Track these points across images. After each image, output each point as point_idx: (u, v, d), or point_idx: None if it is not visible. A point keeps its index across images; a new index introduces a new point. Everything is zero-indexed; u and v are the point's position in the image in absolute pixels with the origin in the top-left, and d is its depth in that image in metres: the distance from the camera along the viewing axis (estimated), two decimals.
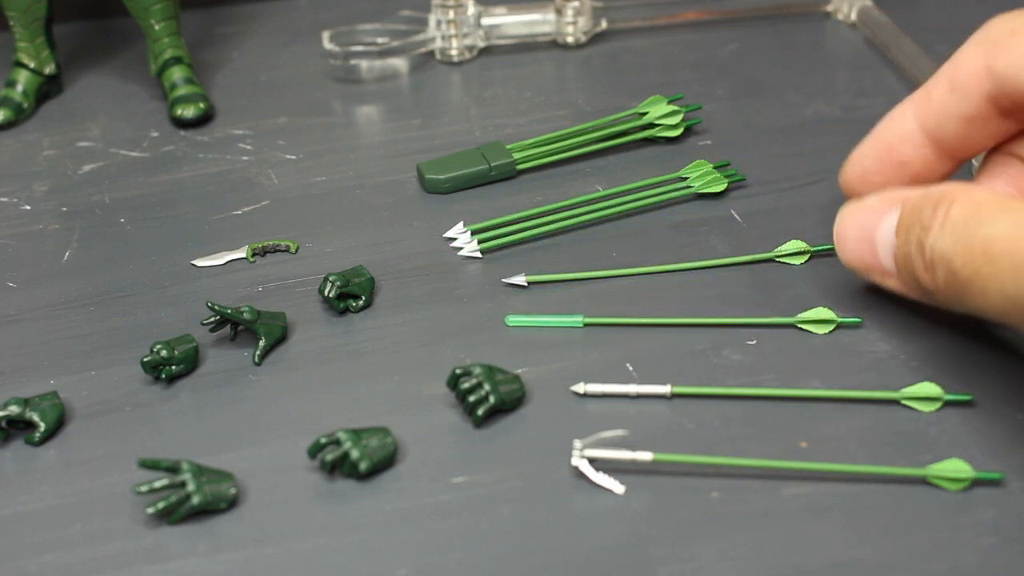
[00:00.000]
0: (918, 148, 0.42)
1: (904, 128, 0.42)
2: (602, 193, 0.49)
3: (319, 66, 0.61)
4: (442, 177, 0.50)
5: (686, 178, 0.49)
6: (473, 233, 0.47)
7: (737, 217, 0.48)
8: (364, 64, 0.60)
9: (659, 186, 0.49)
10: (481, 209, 0.49)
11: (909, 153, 0.42)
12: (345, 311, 0.44)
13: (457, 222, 0.48)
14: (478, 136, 0.55)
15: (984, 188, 0.39)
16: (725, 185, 0.49)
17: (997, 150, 0.42)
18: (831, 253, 0.45)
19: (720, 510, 0.36)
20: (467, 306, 0.44)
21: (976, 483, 0.36)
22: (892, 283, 0.40)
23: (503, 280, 0.45)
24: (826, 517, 0.36)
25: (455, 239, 0.47)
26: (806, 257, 0.45)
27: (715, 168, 0.50)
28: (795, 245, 0.45)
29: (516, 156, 0.51)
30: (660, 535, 0.36)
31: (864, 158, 0.43)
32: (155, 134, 0.56)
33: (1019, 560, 0.34)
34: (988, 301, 0.35)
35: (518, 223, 0.48)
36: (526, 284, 0.45)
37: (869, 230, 0.40)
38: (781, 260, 0.45)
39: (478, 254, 0.47)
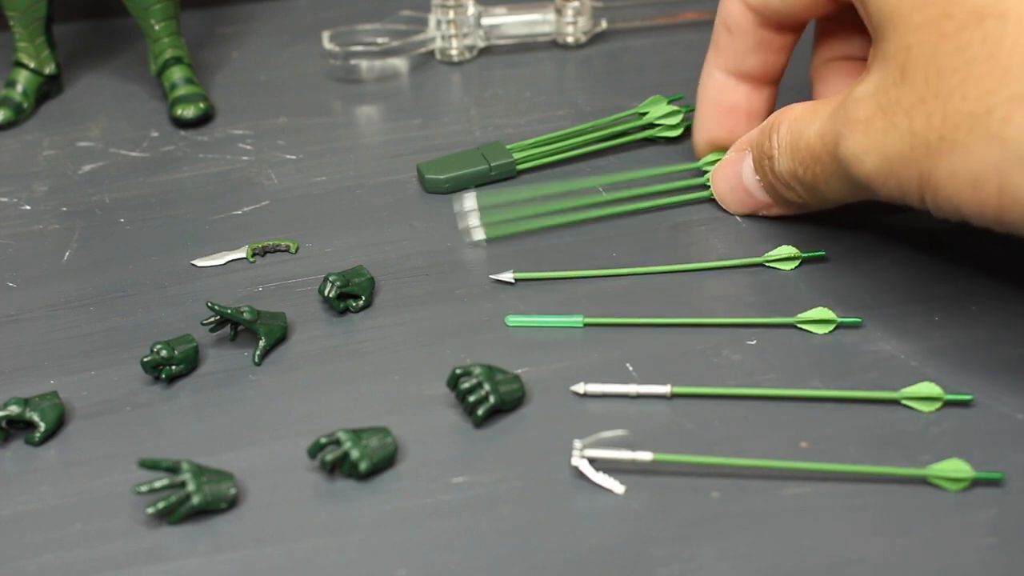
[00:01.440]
0: (735, 89, 0.47)
1: (717, 81, 0.48)
2: (620, 177, 0.50)
3: (319, 66, 0.61)
4: (442, 177, 0.50)
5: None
6: (482, 216, 0.47)
7: (737, 217, 0.48)
8: (364, 64, 0.60)
9: (676, 175, 0.50)
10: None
11: (731, 98, 0.48)
12: (345, 311, 0.44)
13: (456, 222, 0.48)
14: (478, 136, 0.55)
15: (803, 103, 0.43)
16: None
17: (821, 59, 0.47)
18: (824, 259, 0.45)
19: (720, 510, 0.36)
20: (467, 306, 0.44)
21: (976, 483, 0.37)
22: (776, 210, 0.47)
23: (491, 276, 0.45)
24: (826, 517, 0.36)
25: (468, 212, 0.48)
26: (796, 263, 0.45)
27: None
28: (786, 250, 0.45)
29: (516, 156, 0.51)
30: (660, 535, 0.36)
31: (702, 123, 0.49)
32: (155, 134, 0.56)
33: (1019, 560, 0.34)
34: (834, 189, 0.41)
35: (525, 205, 0.48)
36: (513, 281, 0.45)
37: (737, 178, 0.47)
38: (771, 265, 0.45)
39: (482, 235, 0.47)
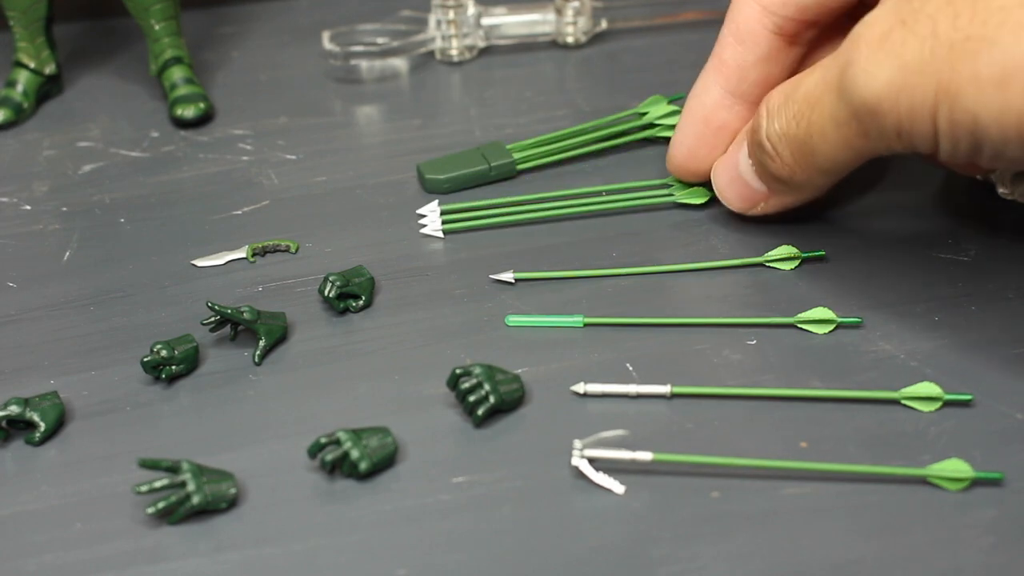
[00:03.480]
0: (731, 109, 0.46)
1: (712, 98, 0.46)
2: (581, 191, 0.49)
3: (319, 66, 0.61)
4: (442, 177, 0.50)
5: (670, 186, 0.49)
6: (443, 213, 0.47)
7: (738, 217, 0.48)
8: (364, 64, 0.60)
9: (642, 190, 0.49)
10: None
11: (724, 117, 0.46)
12: (345, 311, 0.44)
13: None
14: (478, 136, 0.55)
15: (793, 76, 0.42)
16: (707, 197, 0.48)
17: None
18: (824, 259, 0.45)
19: (720, 510, 0.36)
20: (467, 306, 0.44)
21: (976, 483, 0.36)
22: (773, 202, 0.45)
23: (491, 276, 0.45)
24: (826, 517, 0.36)
25: (424, 216, 0.48)
26: (796, 263, 0.45)
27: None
28: (786, 250, 0.45)
29: (516, 156, 0.51)
30: (660, 535, 0.36)
31: (685, 138, 0.47)
32: (155, 134, 0.56)
33: (1019, 560, 0.34)
34: (828, 141, 0.39)
35: (491, 209, 0.48)
36: (513, 281, 0.45)
37: (734, 169, 0.45)
38: (771, 265, 0.45)
39: (440, 233, 0.47)
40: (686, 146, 0.47)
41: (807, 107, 0.40)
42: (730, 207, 0.47)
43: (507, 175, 0.51)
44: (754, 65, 0.45)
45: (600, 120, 0.53)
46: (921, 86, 0.35)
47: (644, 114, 0.53)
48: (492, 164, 0.51)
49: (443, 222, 0.48)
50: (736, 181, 0.46)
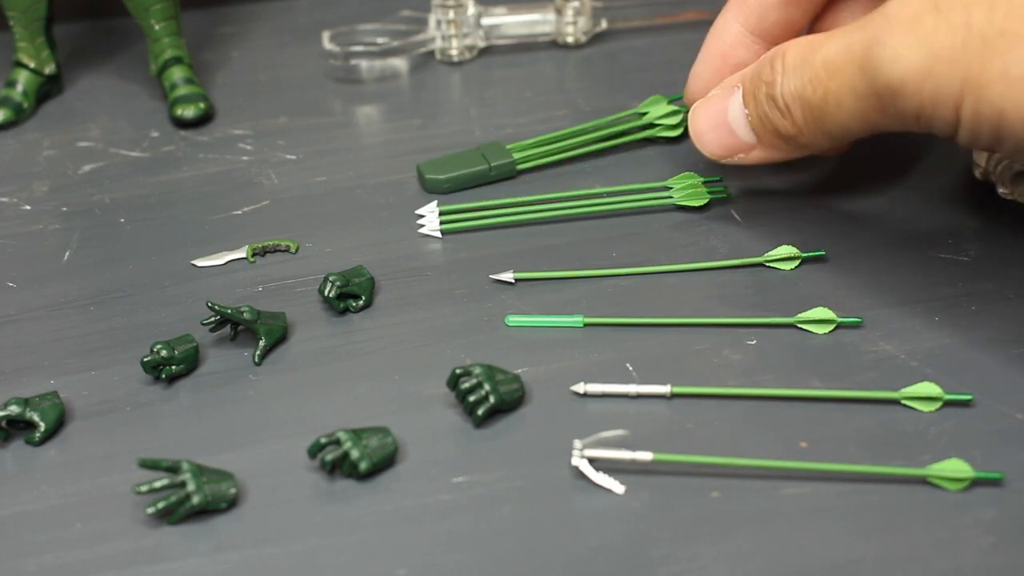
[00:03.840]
0: (749, 48, 0.46)
1: (731, 34, 0.46)
2: (581, 192, 0.49)
3: (319, 66, 0.61)
4: (442, 177, 0.50)
5: (669, 188, 0.49)
6: (442, 214, 0.47)
7: (737, 217, 0.48)
8: (364, 64, 0.60)
9: (641, 192, 0.49)
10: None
11: (741, 55, 0.46)
12: (345, 311, 0.44)
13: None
14: (478, 136, 0.55)
15: (809, 36, 0.41)
16: (706, 199, 0.48)
17: (818, 30, 0.46)
18: (824, 259, 0.45)
19: (720, 510, 0.36)
20: (467, 306, 0.44)
21: (976, 483, 0.37)
22: (756, 154, 0.44)
23: (491, 276, 0.45)
24: (826, 517, 0.36)
25: (423, 216, 0.48)
26: (797, 263, 0.45)
27: (704, 182, 0.49)
28: (786, 250, 0.45)
29: (516, 156, 0.51)
30: (660, 535, 0.36)
31: (703, 72, 0.47)
32: (155, 134, 0.56)
33: (1019, 560, 0.34)
34: (844, 110, 0.39)
35: (490, 209, 0.48)
36: (513, 281, 0.45)
37: (720, 115, 0.44)
38: (771, 265, 0.45)
39: (438, 233, 0.47)
40: (704, 79, 0.47)
41: (826, 74, 0.39)
42: (705, 152, 0.45)
43: (507, 175, 0.51)
44: (776, 6, 0.45)
45: (600, 120, 0.53)
46: (948, 75, 0.35)
47: (644, 114, 0.53)
48: (492, 164, 0.51)
49: (441, 222, 0.48)
50: (721, 128, 0.44)
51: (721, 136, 0.45)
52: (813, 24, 0.47)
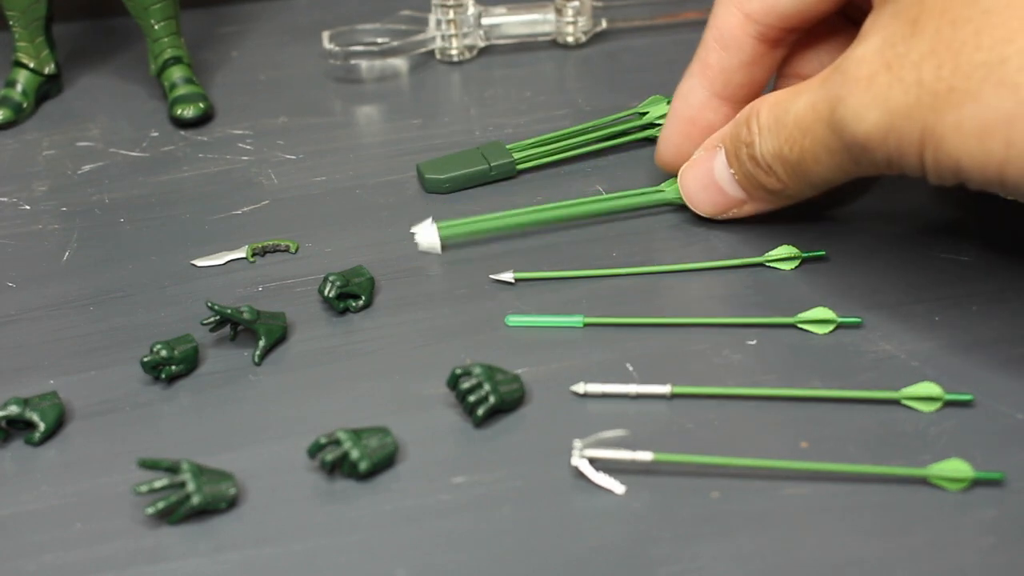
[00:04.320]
0: (717, 110, 0.47)
1: (697, 99, 0.47)
2: (578, 201, 0.49)
3: (319, 66, 0.61)
4: (442, 177, 0.50)
5: (666, 190, 0.49)
6: (440, 229, 0.47)
7: (738, 217, 0.48)
8: (364, 64, 0.60)
9: (638, 196, 0.49)
10: (480, 209, 0.49)
11: (710, 118, 0.47)
12: (345, 311, 0.44)
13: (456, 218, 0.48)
14: (478, 136, 0.55)
15: (778, 91, 0.43)
16: None
17: (781, 76, 0.48)
18: (824, 259, 0.45)
19: (720, 510, 0.36)
20: (467, 306, 0.44)
21: (976, 483, 0.36)
22: (748, 208, 0.46)
23: (491, 276, 0.45)
24: (826, 517, 0.36)
25: (416, 233, 0.47)
26: (797, 263, 0.45)
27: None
28: (786, 250, 0.45)
29: (516, 156, 0.51)
30: (660, 535, 0.36)
31: (674, 136, 0.48)
32: (155, 134, 0.56)
33: (1019, 560, 0.34)
34: (822, 165, 0.41)
35: (487, 222, 0.48)
36: (513, 281, 0.45)
37: (708, 176, 0.46)
38: (771, 264, 0.45)
39: (438, 249, 0.47)
40: (674, 144, 0.48)
41: (799, 133, 0.41)
42: (699, 212, 0.47)
43: (507, 175, 0.51)
44: (738, 69, 0.46)
45: (600, 120, 0.53)
46: (908, 129, 0.37)
47: (644, 114, 0.53)
48: (492, 164, 0.51)
49: (439, 228, 0.47)
50: (710, 187, 0.46)
51: (712, 196, 0.46)
52: (781, 68, 0.47)
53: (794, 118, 0.41)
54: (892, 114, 0.37)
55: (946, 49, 0.36)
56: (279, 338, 0.43)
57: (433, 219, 0.47)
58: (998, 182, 0.36)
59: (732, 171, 0.45)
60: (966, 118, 0.35)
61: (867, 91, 0.38)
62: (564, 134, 0.52)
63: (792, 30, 0.45)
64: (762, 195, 0.45)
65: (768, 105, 0.42)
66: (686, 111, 0.47)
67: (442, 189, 0.51)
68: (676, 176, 0.48)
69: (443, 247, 0.47)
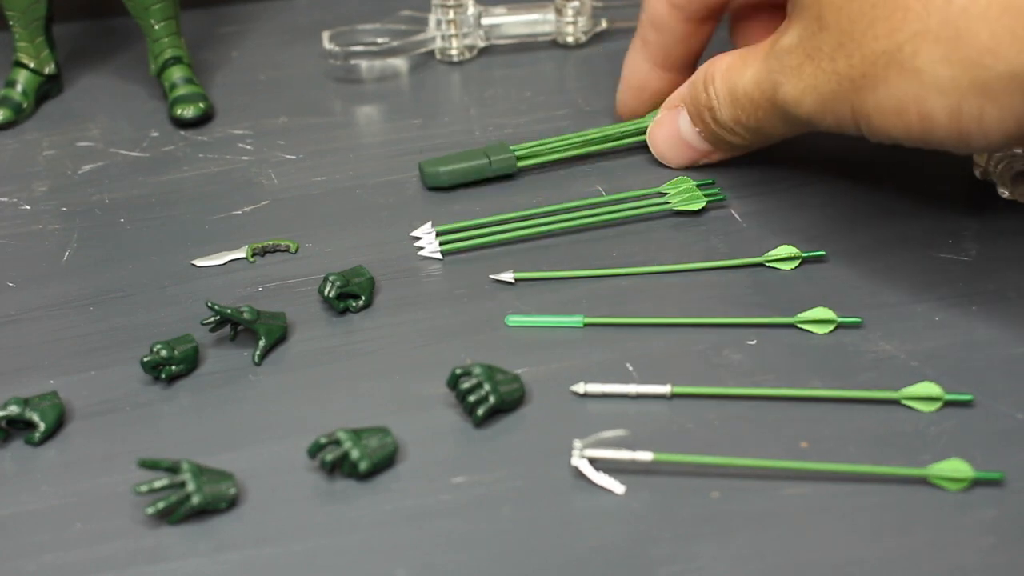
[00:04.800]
0: (661, 78, 0.51)
1: (643, 71, 0.51)
2: (575, 203, 0.49)
3: (319, 66, 0.61)
4: (441, 169, 0.50)
5: (665, 193, 0.49)
6: (439, 235, 0.47)
7: (737, 217, 0.48)
8: (364, 64, 0.60)
9: (636, 199, 0.49)
10: (480, 210, 0.49)
11: (656, 86, 0.51)
12: (345, 311, 0.44)
13: (454, 222, 0.48)
14: (478, 136, 0.55)
15: (728, 54, 0.47)
16: (703, 204, 0.48)
17: (738, 21, 0.52)
18: (824, 259, 0.45)
19: (720, 510, 0.36)
20: (467, 306, 0.44)
21: (976, 483, 0.36)
22: (718, 155, 0.50)
23: (491, 276, 0.45)
24: (826, 517, 0.36)
25: (419, 238, 0.47)
26: (797, 263, 0.45)
27: (697, 186, 0.49)
28: (786, 250, 0.45)
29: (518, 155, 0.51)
30: (660, 535, 0.36)
31: (628, 101, 0.53)
32: (155, 134, 0.56)
33: (1019, 560, 0.34)
34: (779, 129, 0.45)
35: (485, 227, 0.47)
36: (513, 281, 0.45)
37: (674, 134, 0.50)
38: (771, 264, 0.45)
39: (439, 255, 0.47)
40: (629, 106, 0.53)
41: (751, 106, 0.45)
42: (672, 166, 0.51)
43: (507, 171, 0.51)
44: (674, 46, 0.50)
45: (603, 128, 0.52)
46: (840, 110, 0.41)
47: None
48: (492, 159, 0.51)
49: (440, 243, 0.47)
50: (679, 144, 0.50)
51: (681, 151, 0.50)
52: (732, 23, 0.52)
53: (744, 92, 0.45)
54: (823, 98, 0.41)
55: (851, 41, 0.39)
56: (279, 338, 0.43)
57: (433, 223, 0.47)
58: (924, 145, 0.39)
59: (698, 129, 0.49)
60: (882, 98, 0.39)
61: (799, 79, 0.42)
62: (566, 138, 0.52)
63: (716, 8, 0.48)
64: (727, 147, 0.49)
65: (720, 74, 0.46)
66: (634, 80, 0.52)
67: (441, 182, 0.50)
68: (676, 176, 0.49)
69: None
